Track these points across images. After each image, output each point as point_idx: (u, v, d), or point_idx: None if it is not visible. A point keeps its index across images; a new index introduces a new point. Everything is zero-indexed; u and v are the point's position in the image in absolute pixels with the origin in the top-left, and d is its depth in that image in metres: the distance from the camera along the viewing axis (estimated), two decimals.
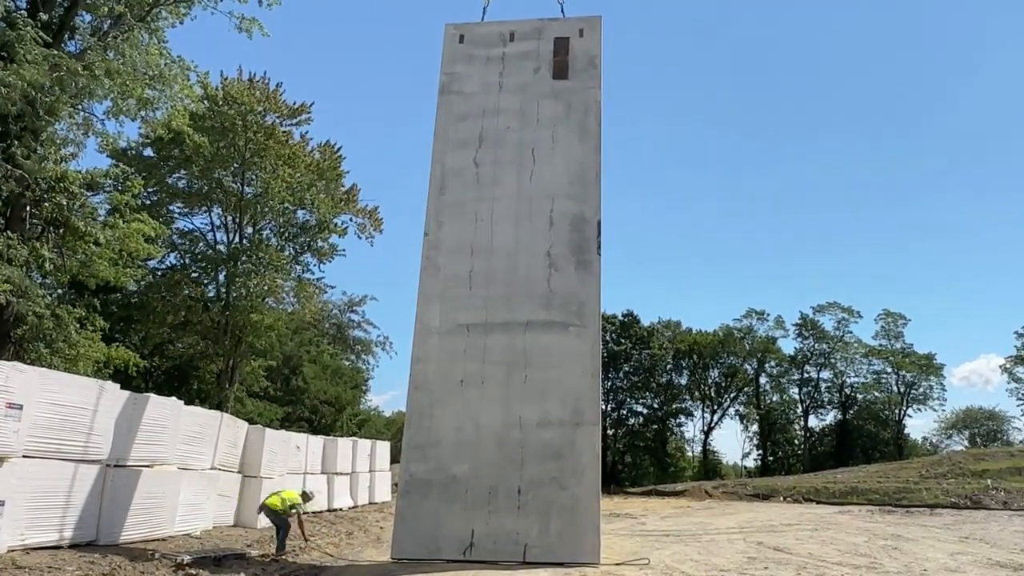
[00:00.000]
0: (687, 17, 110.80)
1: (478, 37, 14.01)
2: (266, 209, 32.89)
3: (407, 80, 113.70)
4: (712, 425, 63.27)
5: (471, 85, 13.72)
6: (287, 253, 33.85)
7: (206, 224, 34.12)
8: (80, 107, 19.56)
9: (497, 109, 13.54)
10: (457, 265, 12.69)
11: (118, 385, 12.87)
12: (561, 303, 12.25)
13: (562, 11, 14.11)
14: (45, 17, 18.41)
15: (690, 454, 65.22)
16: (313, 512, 20.05)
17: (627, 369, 59.54)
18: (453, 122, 13.55)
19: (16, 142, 17.90)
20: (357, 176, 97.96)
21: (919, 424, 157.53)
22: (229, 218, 33.70)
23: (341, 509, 21.85)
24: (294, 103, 33.75)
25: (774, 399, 63.72)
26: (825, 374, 62.33)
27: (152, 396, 13.69)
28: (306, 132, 34.48)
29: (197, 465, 14.69)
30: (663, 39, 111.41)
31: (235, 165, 32.25)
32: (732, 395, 63.28)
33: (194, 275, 33.85)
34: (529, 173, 13.08)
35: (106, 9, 19.90)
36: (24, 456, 10.54)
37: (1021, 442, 58.09)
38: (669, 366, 61.15)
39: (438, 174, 13.28)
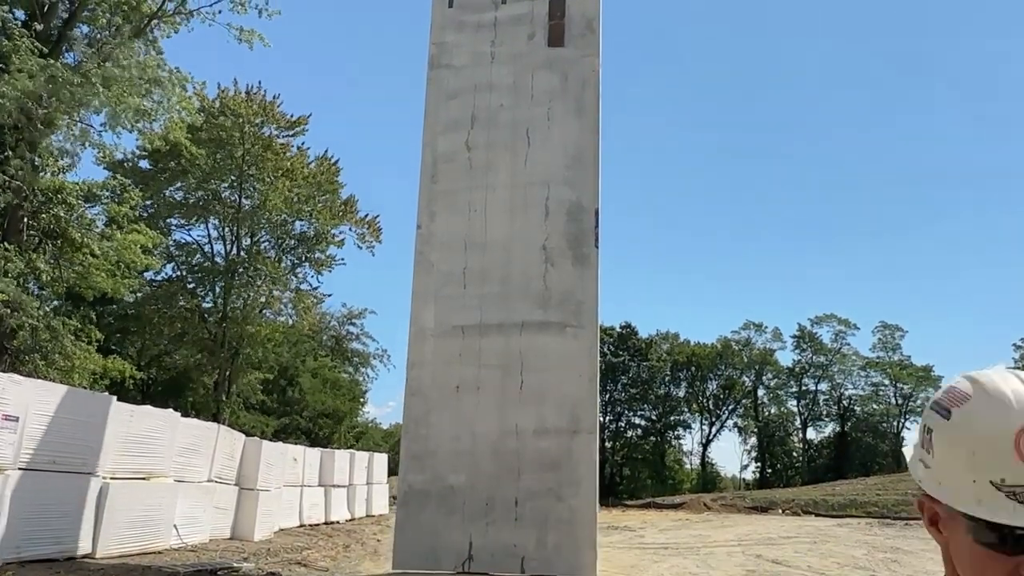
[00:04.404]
0: (690, 8, 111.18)
1: (468, 0, 13.08)
2: (263, 221, 32.93)
3: (412, 77, 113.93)
4: (710, 437, 63.32)
5: (462, 57, 12.80)
6: (284, 265, 33.87)
7: (203, 236, 34.17)
8: (77, 118, 19.59)
9: (489, 84, 12.61)
10: (451, 261, 12.07)
11: (114, 397, 12.81)
12: (558, 302, 11.73)
13: None
14: (40, 27, 18.45)
15: (688, 466, 65.19)
16: (310, 524, 19.97)
17: (625, 381, 59.58)
18: (443, 100, 12.67)
19: (12, 152, 17.92)
20: (358, 181, 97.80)
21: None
22: (226, 230, 33.72)
23: (338, 521, 21.73)
24: (291, 115, 33.85)
25: (772, 411, 63.77)
26: (823, 386, 62.46)
27: (148, 408, 13.64)
28: (303, 143, 34.58)
29: (193, 477, 14.60)
30: (660, 41, 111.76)
31: (232, 177, 32.31)
32: (730, 407, 63.33)
33: (191, 286, 33.88)
34: (524, 156, 12.28)
35: (104, 21, 19.96)
36: (20, 469, 10.49)
37: None
38: (667, 378, 61.23)
39: (429, 160, 12.49)
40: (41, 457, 10.86)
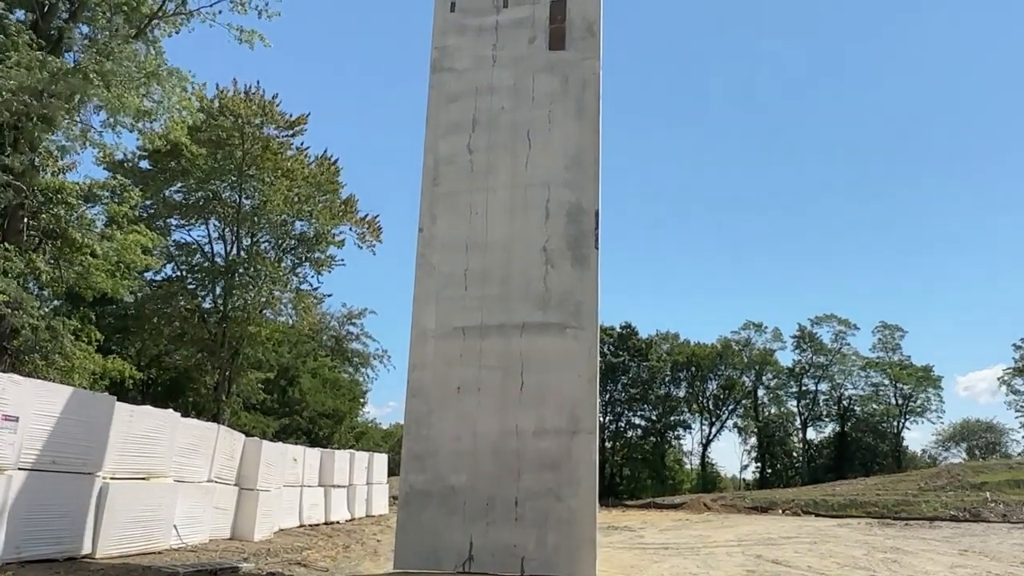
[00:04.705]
0: (688, 18, 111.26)
1: (469, 4, 13.08)
2: (263, 221, 32.91)
3: (412, 76, 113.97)
4: (710, 437, 63.37)
5: (463, 60, 12.88)
6: (285, 265, 33.86)
7: (203, 236, 34.15)
8: (77, 117, 19.58)
9: (491, 87, 12.69)
10: (452, 263, 12.11)
11: (114, 397, 12.81)
12: (558, 303, 11.71)
13: None
14: (32, 17, 18.48)
15: (688, 467, 65.23)
16: (310, 525, 19.97)
17: (625, 381, 59.59)
18: (445, 104, 12.75)
19: (10, 149, 17.90)
20: (359, 181, 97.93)
21: (917, 436, 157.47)
22: (226, 230, 33.70)
23: (338, 522, 21.74)
24: (290, 115, 33.84)
25: (772, 411, 63.78)
26: (823, 386, 62.48)
27: (148, 408, 13.63)
28: (303, 143, 34.55)
29: (193, 478, 14.61)
30: (661, 43, 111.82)
31: (232, 177, 32.28)
32: (730, 407, 63.34)
33: (191, 287, 33.86)
34: (524, 159, 12.33)
35: (104, 20, 19.96)
36: (20, 469, 10.49)
37: (1020, 454, 58.10)
38: (667, 378, 61.25)
39: (431, 163, 12.55)
40: (41, 457, 10.87)
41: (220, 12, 21.53)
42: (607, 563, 12.38)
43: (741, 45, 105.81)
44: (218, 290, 32.67)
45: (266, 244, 34.28)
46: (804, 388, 62.21)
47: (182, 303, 33.05)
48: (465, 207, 12.30)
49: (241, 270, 32.09)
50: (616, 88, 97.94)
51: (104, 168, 28.69)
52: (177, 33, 21.67)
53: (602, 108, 12.53)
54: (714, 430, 63.30)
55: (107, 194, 23.28)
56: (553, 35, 12.70)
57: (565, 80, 12.53)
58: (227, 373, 32.42)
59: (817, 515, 31.75)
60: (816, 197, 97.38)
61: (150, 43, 20.85)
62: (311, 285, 35.67)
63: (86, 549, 11.60)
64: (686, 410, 62.71)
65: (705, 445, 63.11)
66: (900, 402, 61.42)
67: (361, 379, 52.17)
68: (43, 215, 20.06)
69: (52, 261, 20.54)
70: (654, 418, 61.08)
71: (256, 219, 32.75)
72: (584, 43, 12.63)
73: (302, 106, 66.46)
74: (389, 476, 27.75)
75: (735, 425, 63.71)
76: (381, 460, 27.03)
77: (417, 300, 12.16)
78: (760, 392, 63.32)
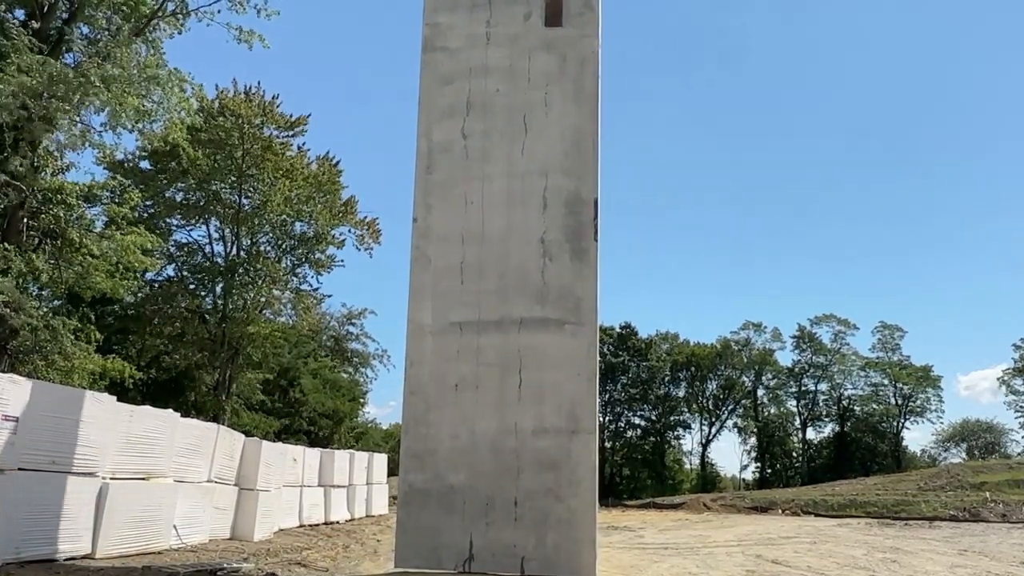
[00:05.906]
0: (684, 15, 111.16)
1: None
2: (264, 221, 32.93)
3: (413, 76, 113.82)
4: (710, 437, 63.48)
5: (456, 39, 12.27)
6: (284, 265, 33.88)
7: (203, 236, 34.19)
8: (77, 118, 19.59)
9: (485, 67, 12.11)
10: (448, 256, 11.70)
11: (114, 397, 12.81)
12: (556, 298, 11.38)
13: None
14: (36, 25, 18.48)
15: (688, 467, 65.30)
16: (310, 525, 19.98)
17: (625, 381, 59.70)
18: (438, 86, 12.17)
19: (11, 151, 17.91)
20: (361, 181, 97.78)
21: (917, 436, 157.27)
22: (227, 230, 33.72)
23: (338, 522, 21.74)
24: (290, 116, 33.85)
25: (772, 411, 63.86)
26: (823, 386, 62.62)
27: (148, 408, 13.63)
28: (303, 144, 34.57)
29: (193, 478, 14.60)
30: (656, 36, 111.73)
31: (233, 177, 32.30)
32: (730, 407, 63.43)
33: (191, 287, 33.90)
34: (521, 145, 11.82)
35: (104, 21, 19.96)
36: (19, 469, 10.49)
37: (1019, 454, 58.15)
38: (667, 378, 61.35)
39: (424, 149, 12.04)
40: (40, 457, 10.87)
41: (219, 11, 21.53)
42: (607, 563, 12.38)
43: (744, 42, 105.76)
44: (218, 290, 32.70)
45: (266, 244, 34.31)
46: (804, 388, 62.38)
47: (182, 303, 33.09)
48: (460, 197, 11.86)
49: (241, 270, 32.13)
50: (614, 74, 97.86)
51: (104, 168, 28.74)
52: (179, 34, 21.70)
53: (601, 90, 12.03)
54: (714, 430, 63.47)
55: (107, 194, 23.31)
56: (549, 10, 12.10)
57: (563, 59, 12.01)
58: (227, 373, 32.45)
59: (817, 515, 31.75)
60: (817, 196, 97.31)
61: (150, 43, 20.85)
62: (311, 285, 35.76)
63: (86, 549, 11.60)
64: (686, 410, 62.81)
65: (705, 445, 63.27)
66: (900, 402, 61.52)
67: (361, 379, 52.21)
68: (43, 215, 20.08)
69: (52, 261, 20.55)
70: (654, 418, 61.18)
71: (256, 219, 32.78)
72: (582, 19, 12.08)
73: (304, 106, 66.48)
74: (389, 476, 27.76)
75: (735, 425, 63.91)
76: (381, 460, 27.05)
77: (413, 294, 11.82)
78: (760, 392, 63.50)
